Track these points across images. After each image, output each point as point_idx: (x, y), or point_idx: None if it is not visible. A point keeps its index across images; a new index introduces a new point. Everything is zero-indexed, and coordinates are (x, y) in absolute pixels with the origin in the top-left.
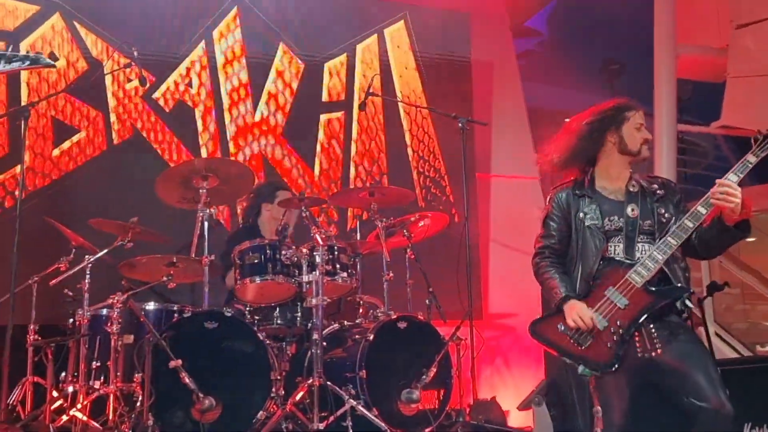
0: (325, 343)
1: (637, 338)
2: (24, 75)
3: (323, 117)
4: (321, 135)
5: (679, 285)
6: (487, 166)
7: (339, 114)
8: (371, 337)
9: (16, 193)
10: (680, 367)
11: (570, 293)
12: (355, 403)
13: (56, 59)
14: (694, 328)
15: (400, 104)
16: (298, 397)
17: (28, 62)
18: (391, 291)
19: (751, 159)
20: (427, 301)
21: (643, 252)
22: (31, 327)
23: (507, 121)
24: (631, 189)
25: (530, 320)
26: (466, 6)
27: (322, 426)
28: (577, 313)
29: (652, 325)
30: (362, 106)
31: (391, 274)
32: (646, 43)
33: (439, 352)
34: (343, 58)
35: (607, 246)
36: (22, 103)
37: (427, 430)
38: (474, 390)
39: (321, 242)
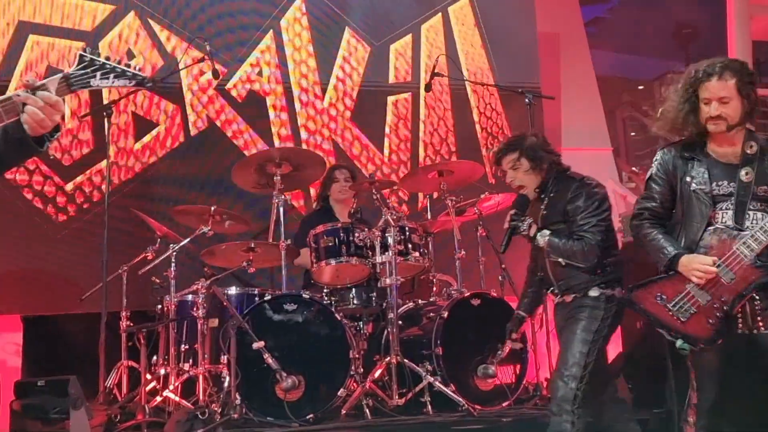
0: (400, 322)
1: (739, 314)
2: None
3: (390, 99)
4: (389, 117)
5: None
6: (558, 139)
7: (406, 95)
8: (446, 315)
9: (103, 187)
10: None
11: (681, 250)
12: (432, 379)
13: (150, 83)
14: None
15: (467, 83)
16: (376, 375)
17: (143, 83)
18: (463, 268)
19: None
20: (499, 277)
21: (755, 221)
22: (123, 314)
23: (576, 92)
24: (749, 151)
25: None
26: None
27: (401, 402)
28: (700, 263)
29: (757, 301)
30: (428, 87)
31: (463, 252)
32: (719, 4)
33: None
34: (408, 39)
35: (714, 213)
36: (104, 101)
37: (504, 404)
38: (550, 364)
39: (393, 223)
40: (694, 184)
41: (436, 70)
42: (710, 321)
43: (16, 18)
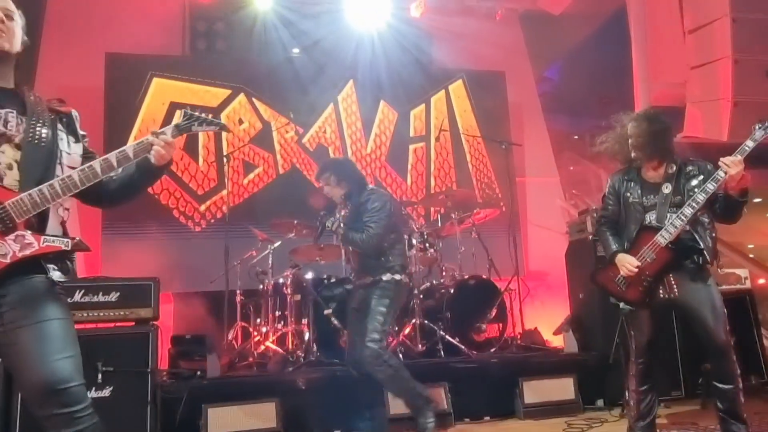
0: (421, 296)
1: (660, 285)
2: (223, 133)
3: (411, 146)
4: (410, 158)
5: (696, 245)
6: (523, 171)
7: (422, 144)
8: (452, 291)
9: (224, 208)
10: (693, 307)
11: (619, 249)
12: (443, 333)
13: (229, 130)
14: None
15: (462, 135)
16: (406, 331)
17: (216, 126)
18: (463, 260)
19: (749, 143)
20: (487, 265)
21: (669, 219)
22: (238, 291)
23: (534, 141)
24: (670, 171)
25: (557, 276)
26: (503, 67)
27: (422, 349)
28: (625, 262)
29: (672, 274)
30: (437, 139)
31: (463, 248)
32: (629, 80)
33: (497, 298)
34: (422, 107)
35: (644, 216)
36: (224, 152)
37: (492, 350)
38: (522, 323)
39: (415, 230)
40: (631, 198)
41: (442, 128)
42: (640, 289)
43: (169, 100)
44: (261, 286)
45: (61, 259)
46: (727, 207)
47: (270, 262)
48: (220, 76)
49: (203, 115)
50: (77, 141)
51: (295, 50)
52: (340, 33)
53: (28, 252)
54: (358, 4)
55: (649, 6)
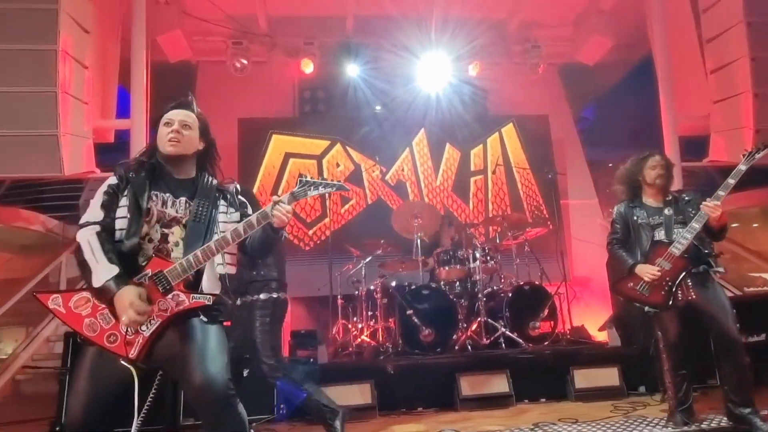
0: (484, 299)
1: (679, 289)
2: (324, 173)
3: (472, 179)
4: (472, 188)
5: (705, 252)
6: (566, 195)
7: (480, 176)
8: (510, 295)
9: (327, 232)
10: (708, 308)
11: (637, 261)
12: (504, 330)
13: (345, 189)
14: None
15: (513, 168)
16: (473, 328)
17: (333, 188)
18: (518, 269)
19: (742, 167)
20: (539, 273)
21: (678, 234)
22: (339, 296)
23: (575, 169)
24: (668, 198)
25: (599, 282)
26: (546, 111)
27: (487, 342)
28: (647, 270)
29: (689, 280)
30: (493, 172)
31: (518, 260)
32: (656, 116)
33: (548, 300)
34: (480, 147)
35: (653, 233)
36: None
37: (545, 343)
38: (570, 321)
39: (478, 245)
40: (640, 220)
41: (497, 163)
42: (662, 293)
43: (284, 151)
44: (356, 292)
45: (208, 309)
46: (711, 234)
47: (363, 273)
48: (321, 131)
49: (316, 180)
50: (236, 210)
51: (378, 107)
52: (413, 92)
53: (181, 307)
54: (426, 68)
55: (674, 51)
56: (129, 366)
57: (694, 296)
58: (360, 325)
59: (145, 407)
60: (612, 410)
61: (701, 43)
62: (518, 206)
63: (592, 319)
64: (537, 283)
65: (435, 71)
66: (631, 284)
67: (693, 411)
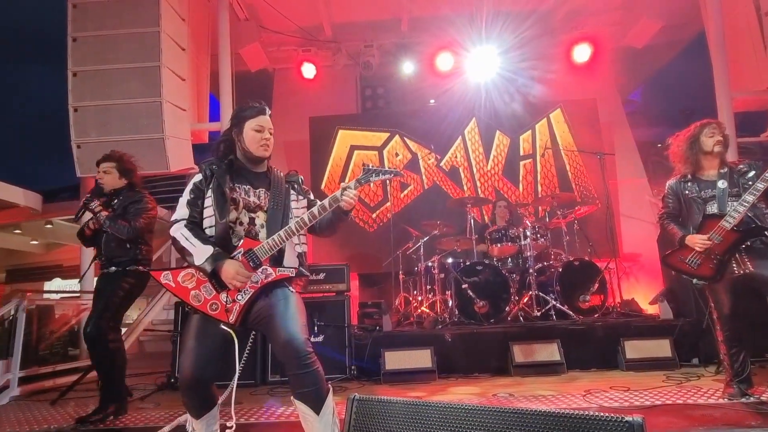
0: (535, 273)
1: (734, 261)
2: (386, 161)
3: (521, 162)
4: (521, 171)
5: (759, 225)
6: (615, 175)
7: (529, 160)
8: (560, 270)
9: (388, 215)
10: (764, 278)
11: (687, 233)
12: (554, 302)
13: (401, 175)
14: None
15: (562, 151)
16: (524, 300)
17: (391, 175)
18: (567, 246)
19: None
20: (588, 249)
21: (731, 207)
22: (400, 272)
23: (623, 150)
24: (722, 170)
25: (648, 257)
26: (594, 95)
27: (538, 314)
28: (697, 240)
29: (744, 252)
30: (542, 155)
31: (567, 237)
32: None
33: (598, 275)
34: (529, 132)
35: (705, 207)
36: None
37: (595, 315)
38: (620, 295)
39: (528, 225)
40: (691, 194)
41: (546, 147)
42: (710, 266)
43: (349, 144)
44: (416, 268)
45: (290, 280)
46: None
47: (421, 251)
48: (381, 124)
49: (378, 168)
50: (303, 197)
51: (432, 100)
52: (464, 84)
53: (269, 279)
54: (476, 62)
55: (728, 27)
56: (228, 330)
57: (750, 268)
58: (420, 298)
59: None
60: (664, 380)
61: (759, 16)
62: (567, 186)
63: (643, 293)
64: (586, 258)
65: (484, 64)
66: (681, 257)
67: (751, 383)
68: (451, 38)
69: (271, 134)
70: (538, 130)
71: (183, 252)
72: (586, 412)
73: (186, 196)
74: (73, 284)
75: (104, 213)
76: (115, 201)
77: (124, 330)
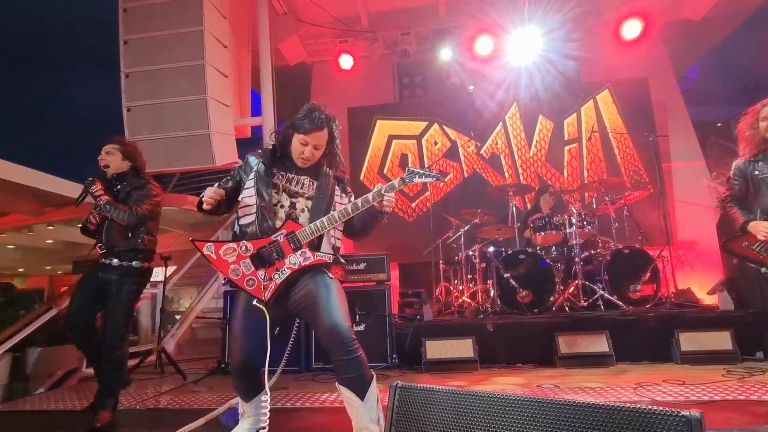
0: (581, 263)
1: None
2: (424, 149)
3: (566, 147)
4: (565, 157)
5: None
6: (668, 158)
7: (575, 145)
8: (608, 258)
9: (428, 204)
10: None
11: (751, 218)
12: (603, 292)
13: (443, 180)
14: None
15: (610, 134)
16: (570, 290)
17: (433, 179)
18: (617, 233)
19: None
20: (639, 237)
21: None
22: (440, 261)
23: (678, 131)
24: None
25: (706, 245)
26: (645, 73)
27: (585, 304)
28: (761, 227)
29: None
30: (588, 139)
31: (616, 225)
32: None
33: (650, 263)
34: (574, 116)
35: None
36: (426, 164)
37: (647, 306)
38: (675, 284)
39: (574, 212)
40: (761, 175)
41: (593, 130)
42: None
43: (387, 134)
44: (456, 257)
45: (329, 265)
46: None
47: (462, 240)
48: (419, 113)
49: (421, 170)
50: (346, 196)
51: (471, 87)
52: (504, 68)
53: (307, 263)
54: (517, 44)
55: None
56: (261, 307)
57: None
58: (460, 287)
59: (287, 352)
60: (724, 375)
61: None
62: (615, 171)
63: (700, 283)
64: (637, 246)
65: (526, 46)
66: (746, 243)
67: None
68: (491, 21)
69: (316, 149)
70: (584, 112)
71: (200, 203)
72: (638, 406)
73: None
74: None
75: (105, 197)
76: (118, 187)
77: (178, 317)
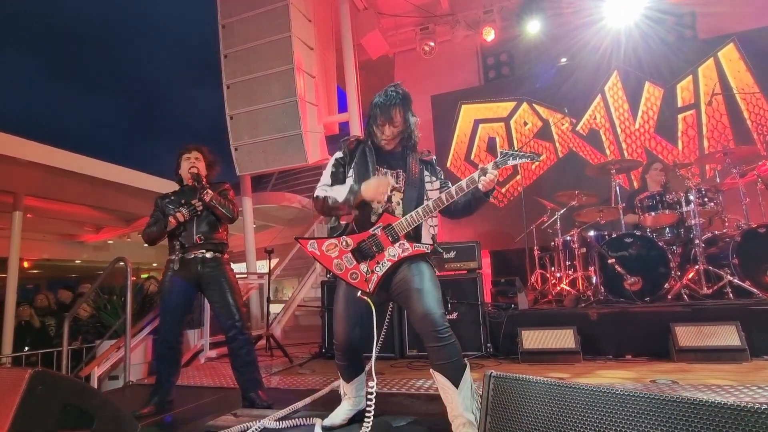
0: (703, 245)
1: None
2: (513, 131)
3: (680, 115)
4: (680, 126)
5: None
6: None
7: (691, 111)
8: (738, 239)
9: (519, 188)
10: None
11: None
12: (731, 278)
13: (538, 159)
14: None
15: (737, 95)
16: (689, 276)
17: (528, 159)
18: (749, 210)
19: None
20: None
21: None
22: (535, 247)
23: None
24: None
25: None
26: None
27: (709, 292)
28: None
29: None
30: (709, 103)
31: (747, 200)
32: None
33: None
34: (689, 78)
35: None
36: (515, 148)
37: None
38: None
39: (692, 187)
40: None
41: (714, 93)
42: None
43: (473, 118)
44: (552, 243)
45: (426, 254)
46: None
47: (558, 224)
48: (506, 93)
49: (515, 152)
50: (437, 178)
51: (563, 59)
52: (600, 33)
53: (406, 254)
54: (616, 4)
55: None
56: (366, 298)
57: None
58: (558, 275)
59: (381, 338)
60: None
61: None
62: (745, 138)
63: None
64: None
65: (626, 4)
66: None
67: None
68: None
69: (393, 126)
70: (702, 73)
71: (325, 203)
72: None
73: (329, 169)
74: (239, 266)
75: (211, 193)
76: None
77: (281, 306)
